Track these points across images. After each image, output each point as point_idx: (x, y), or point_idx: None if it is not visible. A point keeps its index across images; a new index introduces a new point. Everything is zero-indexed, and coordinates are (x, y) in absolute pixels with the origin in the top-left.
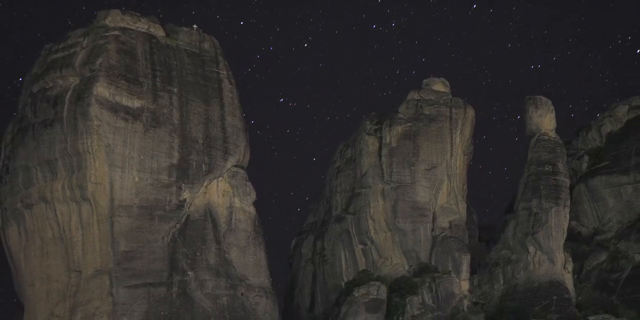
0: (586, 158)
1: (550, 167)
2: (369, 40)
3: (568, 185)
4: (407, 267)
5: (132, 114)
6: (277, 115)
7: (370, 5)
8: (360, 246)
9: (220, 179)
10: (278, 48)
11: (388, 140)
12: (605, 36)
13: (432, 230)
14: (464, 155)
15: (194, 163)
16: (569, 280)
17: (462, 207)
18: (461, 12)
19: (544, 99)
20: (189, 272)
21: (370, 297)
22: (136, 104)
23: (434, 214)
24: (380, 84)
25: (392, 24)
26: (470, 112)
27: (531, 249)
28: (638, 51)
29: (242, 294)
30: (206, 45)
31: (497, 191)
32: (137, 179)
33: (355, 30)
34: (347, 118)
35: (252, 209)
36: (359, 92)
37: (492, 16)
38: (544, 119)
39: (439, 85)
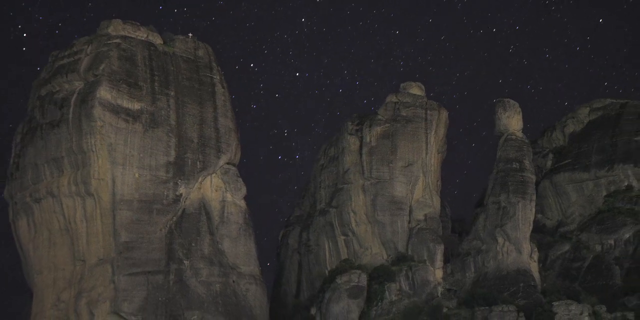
0: (551, 156)
1: (517, 164)
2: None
3: (534, 181)
4: (385, 257)
5: (132, 116)
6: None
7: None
8: (343, 237)
9: (213, 175)
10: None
11: (368, 140)
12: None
13: (409, 222)
14: (438, 153)
15: (189, 161)
16: (534, 269)
17: (437, 201)
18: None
19: (511, 101)
20: (184, 261)
21: (352, 284)
22: (136, 106)
23: (410, 207)
24: (361, 87)
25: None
26: (444, 114)
27: (500, 239)
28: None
29: (233, 281)
30: (201, 52)
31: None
32: (137, 175)
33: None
34: (330, 119)
35: (242, 203)
36: (341, 95)
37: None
38: (512, 120)
39: (415, 89)
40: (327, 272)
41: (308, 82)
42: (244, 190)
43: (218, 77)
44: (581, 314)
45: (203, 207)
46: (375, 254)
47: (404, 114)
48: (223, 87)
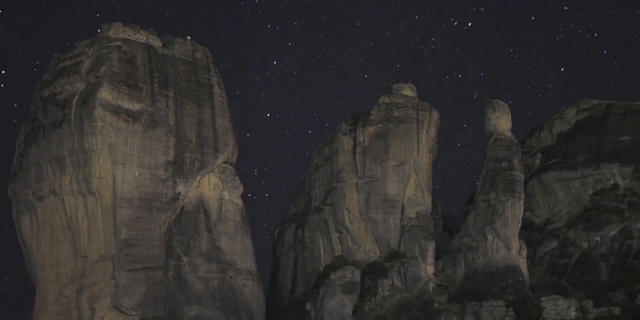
0: (539, 155)
1: (506, 163)
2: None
3: (522, 179)
4: (378, 253)
5: (132, 116)
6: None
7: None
8: (337, 234)
9: (211, 174)
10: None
11: (361, 140)
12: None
13: (401, 220)
14: (430, 152)
15: (187, 160)
16: (523, 265)
17: (428, 199)
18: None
19: (501, 102)
20: (183, 258)
21: (346, 279)
22: (136, 107)
23: (402, 205)
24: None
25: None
26: (435, 115)
27: (489, 236)
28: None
29: (231, 277)
30: (199, 55)
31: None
32: (137, 174)
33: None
34: (324, 120)
35: (240, 201)
36: (335, 97)
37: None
38: (501, 121)
39: (407, 90)
40: (321, 268)
41: (278, 122)
42: (241, 189)
43: (216, 79)
44: (568, 308)
45: (201, 205)
46: (369, 250)
47: (396, 115)
48: (220, 89)
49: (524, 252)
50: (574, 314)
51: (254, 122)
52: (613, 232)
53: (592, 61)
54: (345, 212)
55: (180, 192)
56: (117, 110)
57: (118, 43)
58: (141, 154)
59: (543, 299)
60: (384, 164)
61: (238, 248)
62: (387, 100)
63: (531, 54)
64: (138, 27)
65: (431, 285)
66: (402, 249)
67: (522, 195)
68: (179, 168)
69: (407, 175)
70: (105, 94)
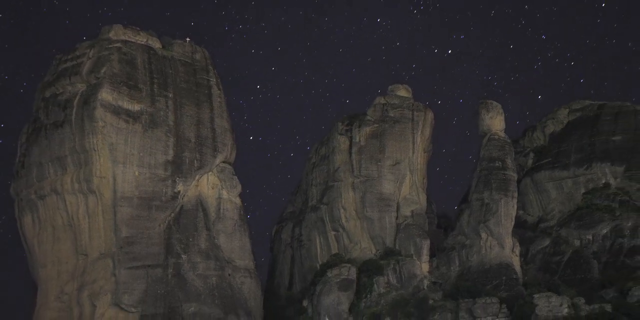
0: (532, 155)
1: (500, 163)
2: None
3: (516, 179)
4: (374, 251)
5: (132, 116)
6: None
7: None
8: (333, 232)
9: (210, 173)
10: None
11: (357, 140)
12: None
13: (396, 218)
14: (425, 152)
15: (187, 159)
16: (516, 263)
17: (423, 198)
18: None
19: (494, 103)
20: (182, 255)
21: (342, 277)
22: (136, 107)
23: (397, 204)
24: (350, 90)
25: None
26: (430, 115)
27: (483, 235)
28: (572, 63)
29: (229, 275)
30: (197, 56)
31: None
32: (137, 173)
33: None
34: (321, 120)
35: (238, 200)
36: (332, 98)
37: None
38: (495, 121)
39: (403, 91)
40: (318, 265)
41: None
42: (239, 188)
43: (214, 80)
44: (561, 305)
45: (200, 203)
46: (364, 248)
47: (392, 115)
48: (219, 89)
49: (517, 250)
50: (566, 310)
51: None
52: (605, 231)
53: (568, 90)
54: (342, 210)
55: (179, 191)
56: (117, 111)
57: (118, 45)
58: (141, 154)
59: (536, 296)
60: (379, 164)
61: (236, 246)
62: (382, 100)
63: (509, 81)
64: (138, 29)
65: (426, 282)
66: (397, 247)
67: (515, 194)
68: (178, 167)
69: (403, 174)
70: (105, 94)
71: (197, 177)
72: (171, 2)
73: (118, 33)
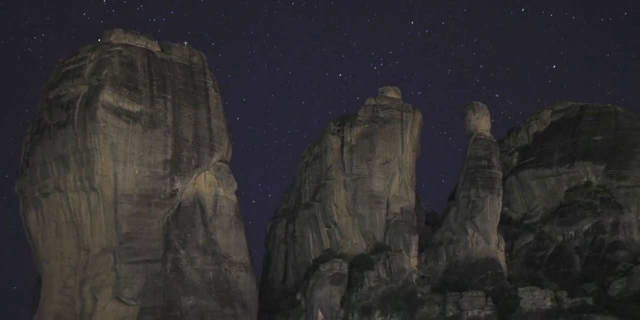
0: (516, 154)
1: (485, 161)
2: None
3: (501, 177)
4: (365, 246)
5: (132, 117)
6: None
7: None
8: (326, 229)
9: (207, 171)
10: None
11: (349, 139)
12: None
13: (386, 215)
14: (413, 151)
15: (185, 158)
16: (501, 258)
17: (412, 195)
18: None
19: (480, 104)
20: (180, 251)
21: (334, 271)
22: (136, 108)
23: (387, 201)
24: (342, 91)
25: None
26: (419, 116)
27: (470, 231)
28: (554, 67)
29: (225, 269)
30: (195, 59)
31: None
32: (137, 171)
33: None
34: (314, 121)
35: (234, 197)
36: (324, 99)
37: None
38: (481, 121)
39: (392, 93)
40: (311, 260)
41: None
42: (235, 186)
43: (211, 82)
44: (544, 299)
45: (197, 201)
46: (356, 244)
47: (382, 116)
48: (216, 91)
49: (502, 246)
50: (549, 304)
51: None
52: (586, 227)
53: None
54: (334, 207)
55: (177, 189)
56: (118, 112)
57: (119, 48)
58: (141, 153)
59: (520, 289)
60: (370, 162)
61: (232, 241)
62: (373, 102)
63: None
64: (138, 33)
65: (415, 276)
66: (387, 243)
67: (501, 192)
68: (176, 166)
69: (392, 172)
70: (107, 96)
71: (194, 176)
72: (171, 5)
73: (119, 37)
